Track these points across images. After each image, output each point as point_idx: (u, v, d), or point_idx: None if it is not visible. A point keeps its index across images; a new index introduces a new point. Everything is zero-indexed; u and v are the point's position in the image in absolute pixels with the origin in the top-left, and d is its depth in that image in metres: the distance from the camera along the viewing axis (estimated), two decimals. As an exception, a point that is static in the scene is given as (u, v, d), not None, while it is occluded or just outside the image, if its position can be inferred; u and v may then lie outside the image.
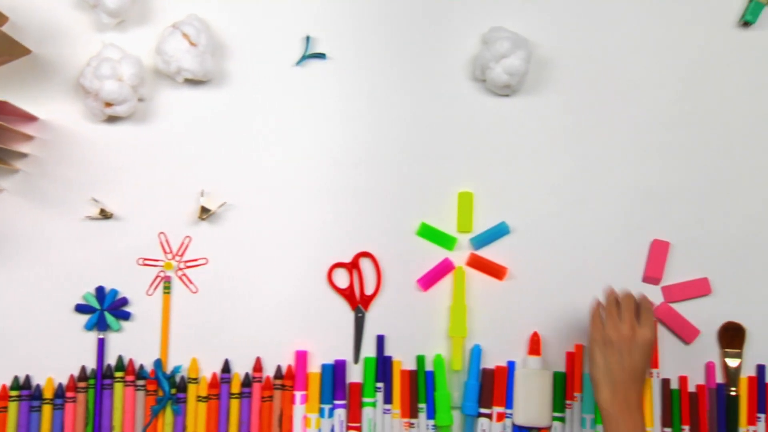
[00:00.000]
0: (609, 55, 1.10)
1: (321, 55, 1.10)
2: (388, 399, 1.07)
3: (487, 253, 1.09)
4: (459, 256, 1.09)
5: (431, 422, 1.07)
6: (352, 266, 1.09)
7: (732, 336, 1.06)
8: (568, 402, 1.07)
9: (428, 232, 1.09)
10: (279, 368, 1.07)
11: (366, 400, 1.07)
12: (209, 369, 1.07)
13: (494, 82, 1.07)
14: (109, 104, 1.03)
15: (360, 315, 1.08)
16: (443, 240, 1.09)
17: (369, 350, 1.08)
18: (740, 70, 1.10)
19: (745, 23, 1.09)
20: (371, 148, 1.10)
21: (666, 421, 1.05)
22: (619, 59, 1.10)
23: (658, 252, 1.07)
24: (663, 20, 1.10)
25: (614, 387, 0.93)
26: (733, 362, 1.05)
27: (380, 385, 1.07)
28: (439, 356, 1.07)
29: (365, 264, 1.09)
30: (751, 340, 1.06)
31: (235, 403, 1.06)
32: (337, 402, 1.06)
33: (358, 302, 1.09)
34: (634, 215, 1.08)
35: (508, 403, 1.07)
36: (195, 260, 1.08)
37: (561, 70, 1.10)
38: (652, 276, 1.07)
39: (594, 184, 1.09)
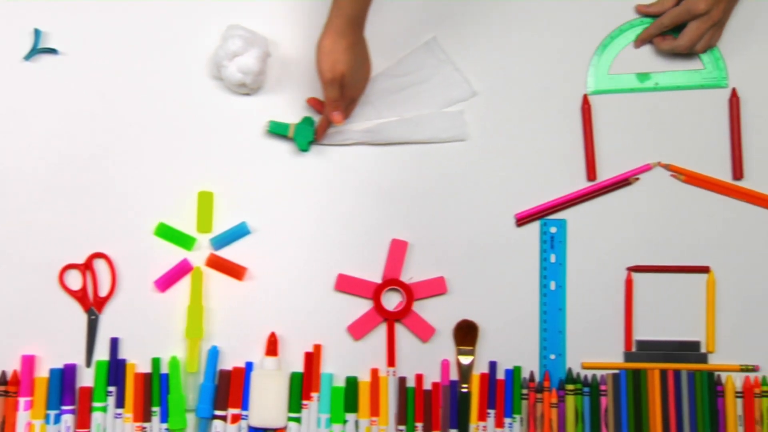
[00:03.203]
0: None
1: (52, 50, 1.07)
2: (120, 403, 1.05)
3: (227, 253, 1.08)
4: (198, 257, 1.08)
5: (164, 426, 1.05)
6: (85, 267, 1.06)
7: (465, 334, 1.08)
8: (304, 402, 1.06)
9: (166, 232, 1.07)
10: (3, 374, 1.03)
11: (96, 404, 1.04)
12: (-74, 376, 1.03)
13: (230, 81, 1.06)
14: None
15: (93, 317, 1.06)
16: (181, 240, 1.07)
17: (103, 353, 1.06)
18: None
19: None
20: (107, 146, 1.07)
21: (401, 419, 1.07)
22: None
23: (397, 251, 1.08)
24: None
25: None
26: (465, 359, 1.07)
27: (112, 389, 1.05)
28: (174, 358, 1.06)
29: (100, 265, 1.06)
30: (484, 337, 1.08)
31: (-47, 412, 1.02)
32: (64, 407, 1.03)
33: (92, 304, 1.06)
34: (374, 214, 1.09)
35: (245, 404, 1.06)
36: None
37: (301, 69, 1.10)
38: (390, 276, 1.08)
39: (333, 184, 1.09)
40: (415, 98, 1.09)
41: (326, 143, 1.08)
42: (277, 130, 1.07)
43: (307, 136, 1.07)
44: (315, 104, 1.08)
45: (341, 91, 1.00)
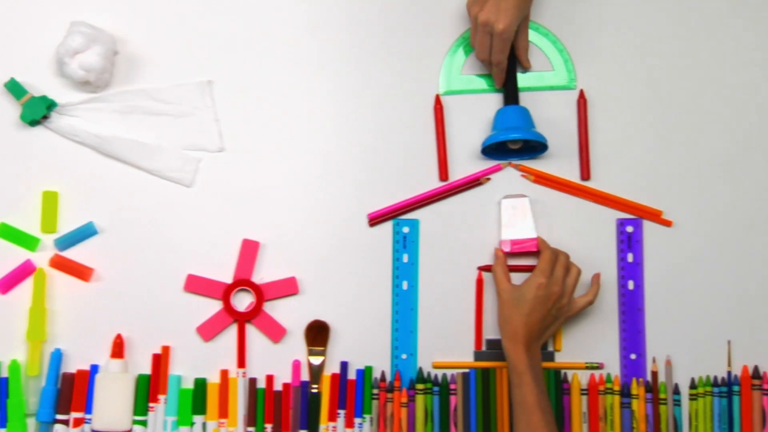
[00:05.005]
0: (196, 50, 1.10)
1: None
2: (-44, 409, 1.02)
3: (73, 254, 1.06)
4: (42, 258, 1.06)
5: (3, 431, 1.02)
6: None
7: (316, 334, 1.07)
8: (151, 405, 1.05)
9: (8, 233, 1.05)
10: None
11: (-70, 410, 1.01)
12: None
13: (72, 78, 1.04)
14: None
15: (-71, 320, 1.03)
16: (24, 240, 1.05)
17: (-61, 358, 1.03)
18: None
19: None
20: (-54, 144, 1.05)
21: (251, 420, 1.06)
22: (202, 55, 1.10)
23: (248, 251, 1.07)
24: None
25: (530, 343, 1.00)
26: (316, 360, 1.07)
27: (-52, 394, 1.02)
28: (14, 362, 1.03)
29: (-63, 266, 1.04)
30: (336, 337, 1.07)
31: None
32: None
33: (-73, 307, 1.03)
34: (224, 214, 1.08)
35: (89, 408, 1.04)
36: None
37: (151, 66, 1.09)
38: (241, 276, 1.07)
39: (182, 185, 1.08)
40: (163, 128, 1.08)
41: (55, 131, 1.06)
42: (12, 91, 1.05)
43: (37, 113, 1.05)
44: None
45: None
